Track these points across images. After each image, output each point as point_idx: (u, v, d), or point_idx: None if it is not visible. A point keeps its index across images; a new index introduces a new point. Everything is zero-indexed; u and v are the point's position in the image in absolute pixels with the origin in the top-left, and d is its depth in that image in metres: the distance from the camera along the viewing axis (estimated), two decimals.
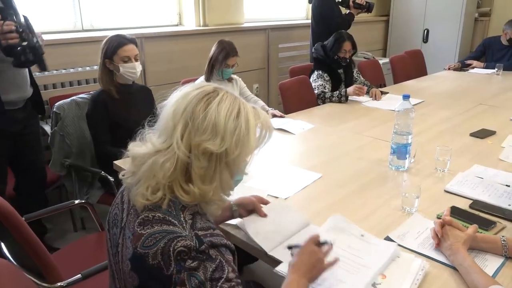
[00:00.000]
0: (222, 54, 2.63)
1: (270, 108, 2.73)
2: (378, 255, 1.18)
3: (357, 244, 1.23)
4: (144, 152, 0.92)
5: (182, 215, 0.89)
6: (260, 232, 1.26)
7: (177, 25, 3.89)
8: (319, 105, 3.06)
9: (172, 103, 0.93)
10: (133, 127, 1.00)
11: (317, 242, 1.08)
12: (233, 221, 1.36)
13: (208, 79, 2.71)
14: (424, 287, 1.09)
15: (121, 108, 2.18)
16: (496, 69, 4.04)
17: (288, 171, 1.82)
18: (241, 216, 1.32)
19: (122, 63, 2.12)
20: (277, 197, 1.57)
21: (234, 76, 2.87)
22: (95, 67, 2.47)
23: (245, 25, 4.15)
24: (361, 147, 2.13)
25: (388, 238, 1.29)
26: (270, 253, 1.21)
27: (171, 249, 0.83)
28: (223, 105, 0.91)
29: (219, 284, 0.84)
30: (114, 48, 2.12)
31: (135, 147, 0.95)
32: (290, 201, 1.56)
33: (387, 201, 1.54)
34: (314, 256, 1.04)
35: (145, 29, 3.51)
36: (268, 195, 1.58)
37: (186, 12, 3.84)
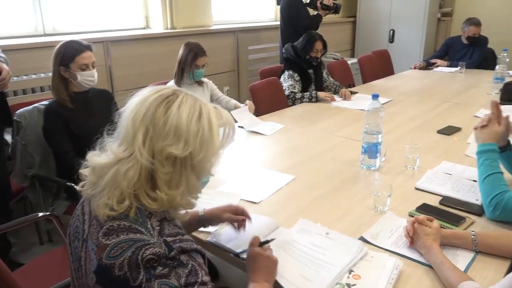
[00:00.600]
0: (191, 55, 2.59)
1: (242, 104, 2.71)
2: (343, 252, 1.19)
3: (322, 242, 1.25)
4: (105, 161, 0.89)
5: (149, 222, 0.86)
6: (232, 239, 1.25)
7: (144, 28, 3.81)
8: (290, 105, 3.06)
9: (130, 109, 0.89)
10: (96, 134, 0.95)
11: (257, 244, 1.11)
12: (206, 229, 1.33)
13: (178, 83, 2.66)
14: (399, 285, 1.09)
15: (79, 117, 2.09)
16: (459, 67, 4.18)
17: (261, 174, 1.80)
18: (209, 224, 1.28)
19: (79, 71, 2.03)
20: (250, 201, 1.54)
21: (205, 80, 2.84)
22: None
23: (214, 27, 4.12)
24: (333, 147, 2.14)
25: (362, 238, 1.29)
26: (243, 256, 1.19)
27: (140, 258, 0.80)
28: (184, 107, 0.88)
29: None
30: (71, 55, 2.01)
31: (95, 157, 0.91)
32: (264, 204, 1.54)
33: (359, 201, 1.55)
34: (260, 258, 1.07)
35: (111, 33, 3.42)
36: (241, 199, 1.56)
37: (153, 15, 3.77)
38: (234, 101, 2.84)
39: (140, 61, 3.47)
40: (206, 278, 0.86)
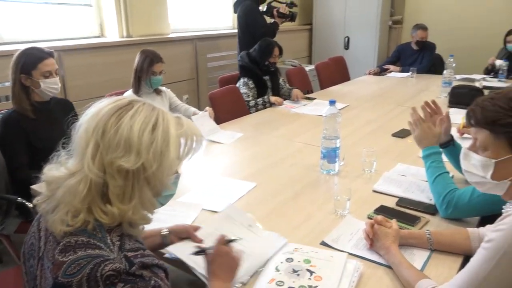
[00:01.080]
0: (146, 61, 2.56)
1: (201, 111, 2.70)
2: (263, 245, 1.23)
3: (243, 234, 1.27)
4: (59, 175, 0.85)
5: (109, 237, 0.83)
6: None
7: (98, 37, 3.71)
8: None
9: (84, 120, 0.87)
10: (58, 146, 0.92)
11: (224, 242, 1.09)
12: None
13: (136, 92, 2.61)
14: (360, 287, 1.12)
15: (41, 127, 2.00)
16: (410, 72, 4.36)
17: (222, 182, 1.79)
18: (172, 243, 1.25)
19: (43, 79, 1.96)
20: (211, 211, 1.53)
21: (163, 88, 2.80)
22: (7, 84, 2.26)
23: (171, 35, 4.07)
24: (293, 153, 2.16)
25: (323, 243, 1.31)
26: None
27: (99, 274, 0.76)
28: (137, 117, 0.85)
29: None
30: (33, 62, 1.94)
31: (51, 170, 0.88)
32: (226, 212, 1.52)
33: (320, 205, 1.57)
34: (229, 257, 1.06)
35: (63, 42, 3.30)
36: (202, 209, 1.54)
37: (108, 23, 3.68)
38: (193, 109, 2.83)
39: (95, 71, 3.36)
40: None
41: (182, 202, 1.59)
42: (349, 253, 1.25)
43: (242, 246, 1.19)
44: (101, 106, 0.88)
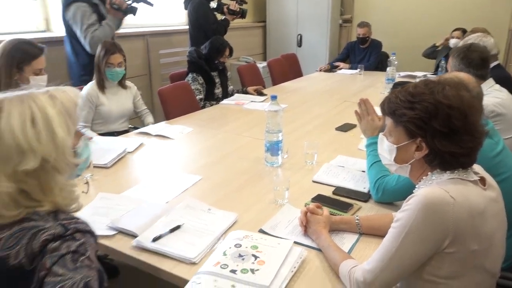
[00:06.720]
0: (102, 52, 2.58)
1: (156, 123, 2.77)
2: (220, 223, 1.42)
3: (204, 216, 1.46)
4: None
5: (41, 210, 0.89)
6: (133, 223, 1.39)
7: (44, 31, 3.59)
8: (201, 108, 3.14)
9: None
10: None
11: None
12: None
13: (99, 83, 2.62)
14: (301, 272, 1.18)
15: None
16: (358, 69, 4.55)
17: (167, 176, 1.82)
18: None
19: (33, 75, 2.01)
20: (156, 204, 1.56)
21: (130, 84, 2.83)
22: None
23: (122, 31, 4.00)
24: (241, 147, 2.22)
25: (261, 230, 1.38)
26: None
27: (35, 241, 0.82)
28: (12, 119, 0.85)
29: (81, 258, 0.84)
30: (27, 59, 1.99)
31: None
32: (171, 205, 1.55)
33: (262, 196, 1.64)
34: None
35: (6, 36, 3.17)
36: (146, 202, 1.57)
37: (53, 17, 3.57)
38: (149, 119, 2.88)
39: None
40: (94, 258, 0.87)
41: (126, 196, 1.61)
42: (284, 239, 1.32)
43: (205, 226, 1.39)
44: None
